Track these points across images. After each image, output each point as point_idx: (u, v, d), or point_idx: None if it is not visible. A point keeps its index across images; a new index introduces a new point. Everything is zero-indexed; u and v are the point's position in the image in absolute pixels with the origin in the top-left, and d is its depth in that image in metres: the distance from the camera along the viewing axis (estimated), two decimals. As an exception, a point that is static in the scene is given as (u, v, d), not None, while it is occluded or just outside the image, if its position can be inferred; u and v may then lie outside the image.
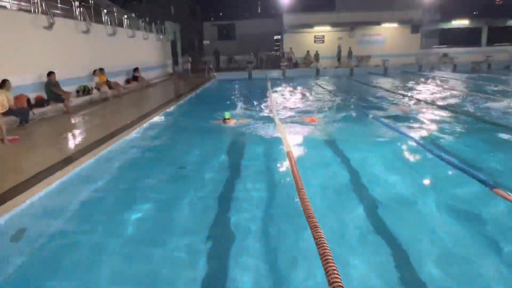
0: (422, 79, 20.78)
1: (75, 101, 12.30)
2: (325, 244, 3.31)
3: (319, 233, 3.38)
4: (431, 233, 4.15)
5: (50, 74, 11.00)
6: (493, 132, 8.53)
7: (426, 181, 5.80)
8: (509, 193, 4.60)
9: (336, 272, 2.99)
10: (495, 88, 15.92)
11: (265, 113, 11.72)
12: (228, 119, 9.42)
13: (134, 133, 8.67)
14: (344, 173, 6.17)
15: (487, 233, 4.06)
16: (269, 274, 3.51)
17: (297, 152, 7.06)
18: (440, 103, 12.73)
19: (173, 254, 3.80)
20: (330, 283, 2.79)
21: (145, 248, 3.93)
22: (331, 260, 3.07)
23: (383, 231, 4.21)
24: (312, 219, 3.68)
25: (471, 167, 5.86)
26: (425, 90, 16.61)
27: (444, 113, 10.91)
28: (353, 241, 4.02)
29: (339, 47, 28.76)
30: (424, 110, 11.60)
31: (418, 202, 4.97)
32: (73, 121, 10.07)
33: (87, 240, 4.10)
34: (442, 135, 8.31)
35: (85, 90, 13.28)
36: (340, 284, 2.81)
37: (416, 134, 8.25)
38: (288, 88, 18.60)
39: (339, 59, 28.40)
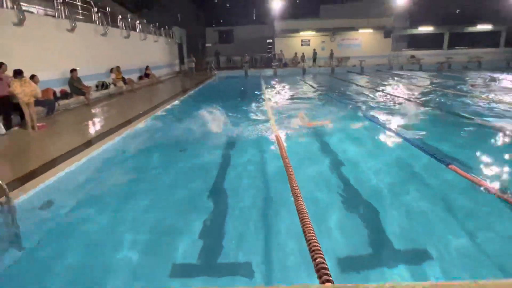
0: (392, 77, 20.78)
1: (94, 94, 12.25)
2: (300, 197, 3.39)
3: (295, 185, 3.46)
4: (396, 199, 4.24)
5: (73, 71, 10.92)
6: (450, 118, 8.63)
7: (392, 158, 5.81)
8: (463, 169, 4.73)
9: (310, 227, 3.06)
10: (454, 84, 16.00)
11: (259, 103, 11.76)
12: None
13: (148, 120, 8.71)
14: (321, 145, 6.37)
15: (443, 198, 4.17)
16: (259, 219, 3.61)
17: (283, 132, 7.17)
18: (405, 95, 12.82)
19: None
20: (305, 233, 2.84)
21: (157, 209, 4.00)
22: (303, 209, 3.14)
23: (355, 199, 4.30)
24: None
25: (430, 147, 5.97)
26: (394, 85, 16.64)
27: (408, 103, 11.01)
28: (325, 201, 4.10)
29: (314, 50, 28.61)
30: (392, 101, 11.66)
31: (386, 175, 5.04)
32: (93, 112, 10.03)
33: (104, 205, 4.19)
34: (406, 121, 8.37)
35: (103, 85, 13.20)
36: (315, 240, 2.89)
37: (385, 120, 8.36)
38: (278, 84, 18.54)
39: (314, 60, 28.18)
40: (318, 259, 2.60)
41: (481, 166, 5.25)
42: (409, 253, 3.20)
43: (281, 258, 3.15)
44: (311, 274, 2.39)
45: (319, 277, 2.42)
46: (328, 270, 2.43)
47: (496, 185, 4.32)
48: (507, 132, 6.94)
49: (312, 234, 3.02)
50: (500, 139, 6.69)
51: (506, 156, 5.70)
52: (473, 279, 1.98)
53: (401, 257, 3.12)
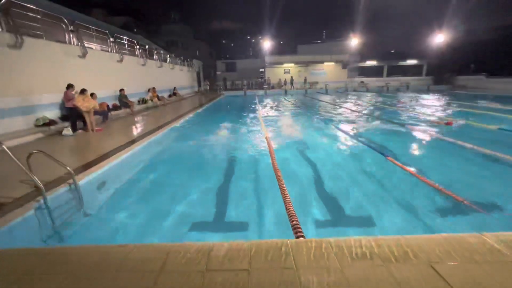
0: (347, 96, 20.86)
1: (137, 107, 12.12)
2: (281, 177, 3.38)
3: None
4: (351, 181, 4.26)
5: (121, 90, 10.83)
6: (387, 124, 8.66)
7: (347, 153, 5.82)
8: (397, 160, 4.77)
9: (288, 198, 3.08)
10: (389, 101, 16.13)
11: (253, 112, 11.75)
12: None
13: (176, 124, 8.65)
14: (296, 142, 6.34)
15: (383, 183, 4.21)
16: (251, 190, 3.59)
17: (271, 133, 7.15)
18: (356, 108, 12.88)
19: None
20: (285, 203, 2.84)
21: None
22: (283, 186, 3.14)
23: (321, 186, 4.31)
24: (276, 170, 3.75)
25: (373, 143, 6.02)
26: (349, 101, 16.71)
27: (358, 114, 11.03)
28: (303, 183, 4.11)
29: (291, 77, 28.38)
30: (347, 112, 11.72)
31: (341, 164, 5.06)
32: (136, 119, 9.93)
33: (145, 184, 4.16)
34: (356, 125, 8.41)
35: (143, 101, 13.07)
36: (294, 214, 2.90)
37: (342, 126, 8.39)
38: (268, 100, 18.53)
39: (291, 84, 27.98)
40: (294, 221, 2.63)
41: (408, 157, 5.32)
42: (358, 217, 3.23)
43: (267, 220, 3.16)
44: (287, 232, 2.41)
45: (295, 233, 2.45)
46: (301, 229, 2.46)
47: (417, 170, 4.39)
48: (424, 132, 7.04)
49: (289, 202, 3.06)
50: (419, 138, 6.76)
51: (425, 150, 5.78)
52: (401, 234, 2.04)
53: (353, 220, 3.15)
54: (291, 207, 2.92)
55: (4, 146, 3.24)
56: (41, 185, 3.23)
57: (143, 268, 1.72)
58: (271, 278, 1.61)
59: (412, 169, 4.41)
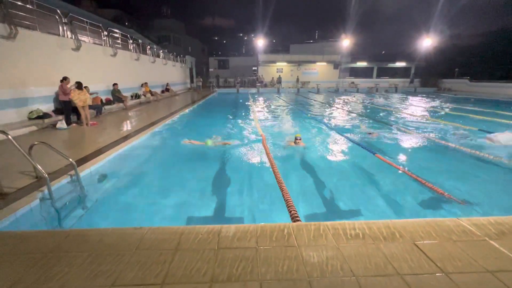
0: (339, 95, 21.28)
1: (130, 102, 12.05)
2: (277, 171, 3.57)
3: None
4: (342, 174, 4.51)
5: (114, 84, 10.76)
6: (375, 123, 8.98)
7: (338, 151, 6.04)
8: (384, 156, 5.07)
9: (284, 186, 3.29)
10: (378, 100, 16.67)
11: (247, 110, 11.93)
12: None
13: (169, 121, 8.68)
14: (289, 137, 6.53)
15: (372, 177, 4.49)
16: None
17: (265, 131, 7.34)
18: (347, 107, 13.23)
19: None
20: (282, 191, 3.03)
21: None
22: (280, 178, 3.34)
23: (315, 179, 4.54)
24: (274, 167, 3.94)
25: (363, 141, 6.32)
26: (340, 101, 17.10)
27: (347, 112, 11.33)
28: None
29: (279, 76, 28.36)
30: (337, 110, 12.04)
31: (332, 161, 5.31)
32: (129, 114, 9.91)
33: (140, 178, 4.27)
34: (346, 124, 8.70)
35: (136, 96, 13.00)
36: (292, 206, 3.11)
37: (333, 124, 8.67)
38: (261, 98, 18.72)
39: (279, 83, 27.96)
40: (292, 210, 2.84)
41: (395, 153, 5.63)
42: (352, 205, 3.49)
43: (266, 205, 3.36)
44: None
45: (292, 217, 2.68)
46: (298, 215, 2.68)
47: (402, 165, 4.70)
48: (408, 130, 7.44)
49: (286, 190, 3.28)
50: (405, 135, 7.10)
51: (410, 145, 6.13)
52: (389, 219, 2.29)
53: (346, 208, 3.40)
54: (289, 197, 3.14)
55: (10, 137, 3.29)
56: (45, 175, 3.31)
57: (160, 246, 1.89)
58: (276, 254, 1.82)
59: (397, 165, 4.72)
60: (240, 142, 6.25)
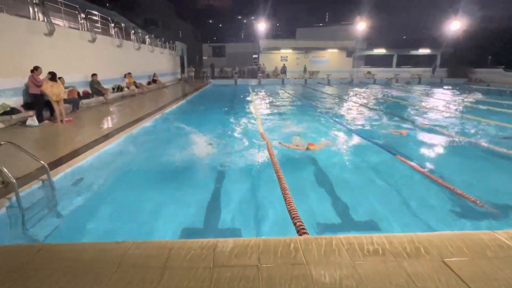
0: (353, 87, 21.28)
1: (111, 95, 12.05)
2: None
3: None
4: (357, 182, 4.50)
5: (93, 75, 10.79)
6: (396, 120, 9.00)
7: (351, 151, 6.03)
8: (407, 158, 5.06)
9: (290, 197, 3.28)
10: (399, 93, 16.66)
11: (247, 106, 11.94)
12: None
13: (158, 116, 8.70)
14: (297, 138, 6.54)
15: (392, 182, 4.47)
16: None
17: (266, 129, 7.36)
18: (363, 101, 13.25)
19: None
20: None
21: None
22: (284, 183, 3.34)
23: (327, 186, 4.53)
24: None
25: (383, 141, 6.31)
26: (354, 94, 17.11)
27: (364, 108, 11.37)
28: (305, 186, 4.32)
29: (284, 65, 28.23)
30: (352, 106, 12.05)
31: (349, 162, 5.32)
32: (111, 109, 9.93)
33: (121, 183, 4.27)
34: (363, 122, 8.71)
35: (118, 88, 13.02)
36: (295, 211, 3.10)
37: (347, 122, 8.66)
38: (263, 91, 18.72)
39: (285, 72, 27.75)
40: (297, 222, 2.83)
41: (421, 155, 5.62)
42: (366, 216, 3.47)
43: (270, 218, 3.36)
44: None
45: (298, 229, 2.66)
46: (305, 228, 2.67)
47: (428, 169, 4.68)
48: (436, 128, 7.42)
49: (290, 198, 3.27)
50: (433, 134, 7.07)
51: (440, 146, 6.11)
52: (413, 232, 2.27)
53: (361, 219, 3.39)
54: (294, 207, 3.13)
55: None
56: (13, 180, 3.31)
57: (145, 264, 1.88)
58: (281, 273, 1.80)
59: (422, 167, 4.70)
60: (238, 145, 6.24)
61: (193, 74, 24.72)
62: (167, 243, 2.09)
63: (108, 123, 7.65)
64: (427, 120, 9.06)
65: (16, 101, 7.57)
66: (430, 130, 7.63)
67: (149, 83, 17.21)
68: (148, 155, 5.63)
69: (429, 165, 4.96)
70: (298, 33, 33.68)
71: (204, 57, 33.27)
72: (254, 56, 32.07)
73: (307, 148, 5.49)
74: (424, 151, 5.91)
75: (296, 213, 2.96)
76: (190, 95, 14.91)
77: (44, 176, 3.90)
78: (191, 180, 4.45)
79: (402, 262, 1.91)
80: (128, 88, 13.67)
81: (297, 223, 2.78)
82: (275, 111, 10.88)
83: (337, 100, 14.31)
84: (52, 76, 7.37)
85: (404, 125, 8.25)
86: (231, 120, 9.01)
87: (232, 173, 4.69)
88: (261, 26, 27.74)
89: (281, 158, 5.12)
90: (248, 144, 6.34)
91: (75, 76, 10.15)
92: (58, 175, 4.19)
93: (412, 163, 4.86)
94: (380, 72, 29.06)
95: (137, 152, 5.83)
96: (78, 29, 11.09)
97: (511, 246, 2.08)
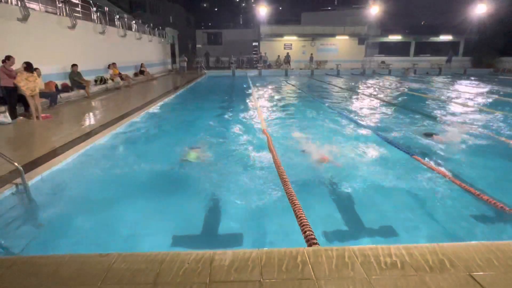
0: (366, 79, 21.25)
1: (93, 88, 12.06)
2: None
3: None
4: (372, 186, 4.47)
5: (73, 66, 10.77)
6: (416, 118, 8.94)
7: (367, 149, 5.99)
8: (426, 160, 5.05)
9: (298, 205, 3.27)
10: (418, 86, 16.64)
11: (246, 99, 11.92)
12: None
13: (143, 114, 8.67)
14: (304, 134, 6.60)
15: (412, 186, 4.46)
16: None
17: (270, 127, 7.35)
18: (379, 96, 13.20)
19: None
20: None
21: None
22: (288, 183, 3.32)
23: (338, 192, 4.52)
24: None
25: (398, 140, 6.30)
26: (368, 86, 17.09)
27: (380, 105, 11.34)
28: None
29: (288, 54, 28.08)
30: (366, 102, 12.02)
31: (359, 165, 5.28)
32: (93, 104, 9.92)
33: (102, 188, 4.26)
34: (378, 120, 8.70)
35: (101, 80, 13.01)
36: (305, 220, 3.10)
37: (361, 119, 8.64)
38: (263, 83, 18.69)
39: (289, 62, 27.69)
40: (307, 230, 2.82)
41: (444, 156, 5.59)
42: (381, 224, 3.46)
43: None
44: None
45: (307, 239, 2.66)
46: (315, 238, 2.66)
47: (453, 172, 4.67)
48: (464, 125, 7.41)
49: (298, 205, 3.26)
50: (459, 132, 7.03)
51: (469, 146, 6.10)
52: (436, 242, 2.26)
53: (375, 227, 3.38)
54: (302, 213, 3.12)
55: None
56: (-17, 185, 3.30)
57: (133, 279, 1.86)
58: (287, 290, 1.78)
59: (443, 169, 4.69)
60: (240, 144, 6.23)
61: (185, 64, 24.74)
62: (158, 256, 2.08)
63: (89, 120, 7.65)
64: (451, 116, 9.04)
65: (-14, 95, 7.55)
66: (455, 127, 7.62)
67: (136, 75, 17.21)
68: (134, 156, 5.60)
69: (452, 168, 4.94)
70: (304, 18, 33.59)
71: (197, 45, 33.25)
72: (254, 44, 32.02)
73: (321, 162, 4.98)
74: (446, 151, 5.88)
75: (306, 221, 2.95)
76: (182, 88, 14.91)
77: (18, 180, 3.89)
78: (183, 184, 4.44)
79: (424, 277, 1.90)
80: (112, 80, 13.66)
81: (307, 232, 2.77)
82: (277, 104, 10.87)
83: (349, 94, 14.28)
84: (28, 67, 7.34)
85: (426, 122, 8.24)
86: (228, 118, 8.97)
87: (230, 175, 4.67)
88: (262, 10, 27.68)
89: (284, 157, 5.11)
90: (247, 142, 6.33)
91: (52, 67, 10.13)
92: (34, 179, 4.17)
93: (432, 165, 4.85)
94: (395, 62, 29.07)
95: (122, 153, 5.82)
96: (56, 13, 11.05)
97: (547, 258, 2.07)
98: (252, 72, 24.88)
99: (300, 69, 27.74)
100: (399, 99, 12.78)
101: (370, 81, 19.97)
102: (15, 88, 7.27)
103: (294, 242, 2.95)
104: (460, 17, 28.70)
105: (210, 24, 40.77)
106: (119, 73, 14.25)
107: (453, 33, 30.22)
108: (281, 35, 29.63)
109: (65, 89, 10.36)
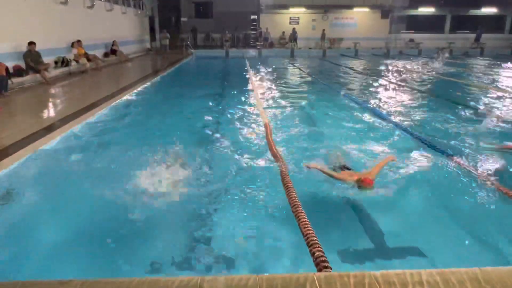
0: (391, 61, 21.17)
1: (53, 72, 11.99)
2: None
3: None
4: (395, 198, 4.44)
5: (30, 44, 10.67)
6: (453, 108, 8.93)
7: (388, 145, 6.00)
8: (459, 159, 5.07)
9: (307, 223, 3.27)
10: (455, 71, 16.63)
11: (245, 87, 11.91)
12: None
13: (113, 105, 8.65)
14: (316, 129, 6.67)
15: (445, 198, 4.46)
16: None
17: (272, 120, 7.35)
18: (408, 85, 13.06)
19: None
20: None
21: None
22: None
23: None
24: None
25: (429, 136, 6.33)
26: (395, 70, 17.02)
27: (410, 95, 11.28)
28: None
29: (294, 30, 28.17)
30: (392, 91, 12.00)
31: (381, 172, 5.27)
32: (53, 92, 9.88)
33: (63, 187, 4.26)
34: (405, 112, 8.70)
35: (63, 62, 12.94)
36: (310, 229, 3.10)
37: (386, 112, 8.64)
38: (265, 66, 18.64)
39: (295, 40, 27.85)
40: (317, 251, 2.82)
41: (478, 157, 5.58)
42: (410, 242, 3.46)
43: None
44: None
45: (316, 263, 2.65)
46: (327, 260, 2.66)
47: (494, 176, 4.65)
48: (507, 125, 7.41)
49: (309, 227, 3.25)
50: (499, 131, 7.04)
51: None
52: (476, 266, 2.26)
53: (401, 247, 3.38)
54: (312, 231, 3.11)
55: None
56: None
57: (101, 313, 1.85)
58: (293, 326, 1.77)
59: (478, 172, 4.70)
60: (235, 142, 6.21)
61: (167, 42, 24.73)
62: (132, 283, 2.06)
63: (50, 111, 7.62)
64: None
65: None
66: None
67: (106, 55, 17.15)
68: (104, 156, 5.58)
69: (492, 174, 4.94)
70: (314, -14, 33.58)
71: (183, 19, 33.09)
72: (252, 17, 31.92)
73: (359, 186, 4.26)
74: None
75: (316, 240, 2.93)
76: (163, 72, 14.88)
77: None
78: (164, 194, 4.38)
79: (463, 310, 1.89)
80: (77, 61, 13.60)
81: (316, 253, 2.76)
82: (282, 93, 10.83)
83: (372, 81, 14.18)
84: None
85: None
86: (218, 115, 8.83)
87: (224, 184, 4.64)
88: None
89: (290, 163, 5.11)
90: (246, 140, 6.33)
91: (2, 46, 10.06)
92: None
93: (471, 168, 4.84)
94: (427, 40, 29.04)
95: (87, 152, 5.77)
96: (6, -21, 10.98)
97: None
98: (250, 53, 24.86)
99: (309, 48, 27.69)
100: (435, 89, 12.73)
101: (397, 63, 19.92)
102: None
103: (301, 265, 2.95)
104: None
105: (198, -8, 40.59)
106: (85, 53, 14.20)
107: (498, 4, 30.18)
108: (286, 7, 29.57)
109: (18, 73, 10.30)
